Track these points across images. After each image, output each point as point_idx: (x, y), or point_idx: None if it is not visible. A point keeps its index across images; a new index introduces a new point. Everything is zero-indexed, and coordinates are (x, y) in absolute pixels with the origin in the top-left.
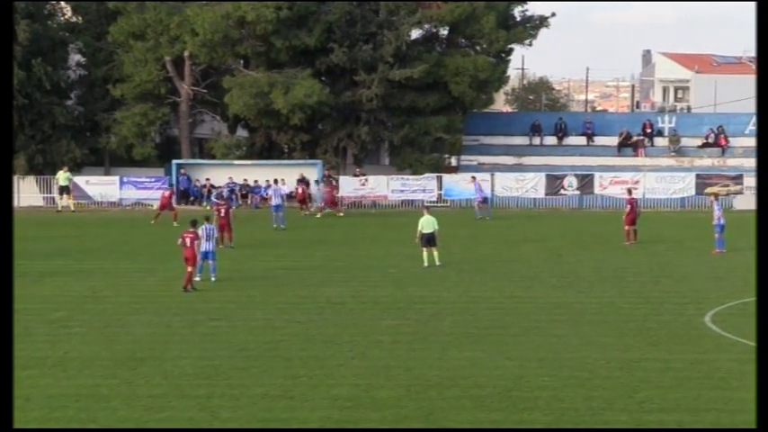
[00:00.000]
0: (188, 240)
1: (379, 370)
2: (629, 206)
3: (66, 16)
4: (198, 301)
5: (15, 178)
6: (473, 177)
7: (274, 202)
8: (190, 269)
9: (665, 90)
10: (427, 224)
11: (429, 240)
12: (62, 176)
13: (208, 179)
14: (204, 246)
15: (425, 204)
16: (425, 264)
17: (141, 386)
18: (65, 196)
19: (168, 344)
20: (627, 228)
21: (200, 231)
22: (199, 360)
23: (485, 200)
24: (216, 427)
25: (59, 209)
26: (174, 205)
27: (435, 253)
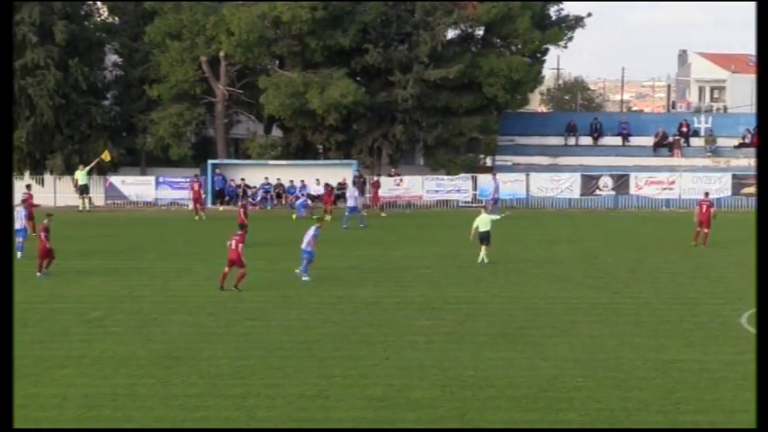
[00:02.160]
0: (233, 243)
1: (414, 370)
2: (701, 207)
3: (102, 17)
4: (233, 301)
5: (52, 178)
6: (494, 174)
7: (350, 203)
8: (227, 270)
9: (701, 90)
10: (483, 223)
11: (484, 238)
12: (80, 175)
13: (243, 179)
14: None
15: (484, 203)
16: (483, 260)
17: (177, 385)
18: (84, 196)
19: (204, 343)
20: (698, 229)
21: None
22: (234, 360)
23: (495, 201)
24: (252, 426)
25: (80, 209)
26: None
27: (484, 251)
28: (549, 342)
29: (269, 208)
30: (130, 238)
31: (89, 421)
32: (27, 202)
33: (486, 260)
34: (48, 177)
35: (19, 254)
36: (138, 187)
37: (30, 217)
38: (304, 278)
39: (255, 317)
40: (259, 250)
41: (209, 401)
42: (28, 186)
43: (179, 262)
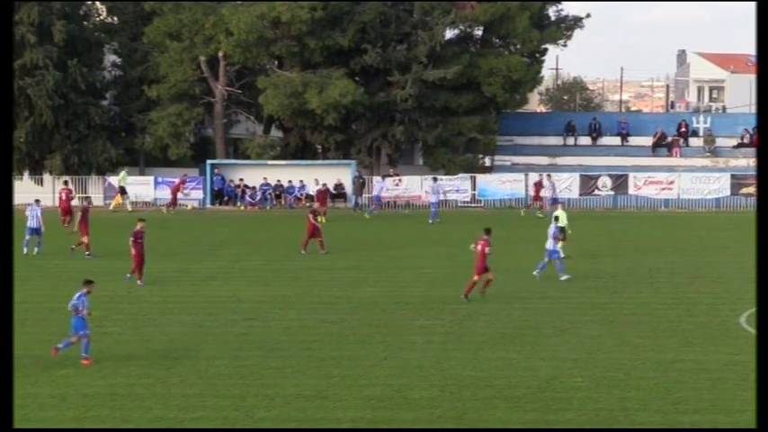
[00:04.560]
0: (479, 248)
1: (413, 370)
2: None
3: (101, 17)
4: (231, 301)
5: (51, 178)
6: (549, 175)
7: (433, 199)
8: (476, 278)
9: (699, 90)
10: (559, 218)
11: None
12: (122, 176)
13: (242, 179)
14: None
15: (559, 200)
16: (563, 255)
17: (176, 385)
18: (119, 195)
19: (202, 344)
20: None
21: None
22: (233, 360)
23: (554, 201)
24: (250, 426)
25: (114, 209)
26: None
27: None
28: (547, 342)
29: (268, 208)
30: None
31: (88, 421)
32: (63, 198)
33: (562, 254)
34: (47, 177)
35: (35, 249)
36: (136, 187)
37: (66, 212)
38: (563, 277)
39: (254, 317)
40: (259, 250)
41: (208, 401)
42: (65, 183)
43: (178, 262)
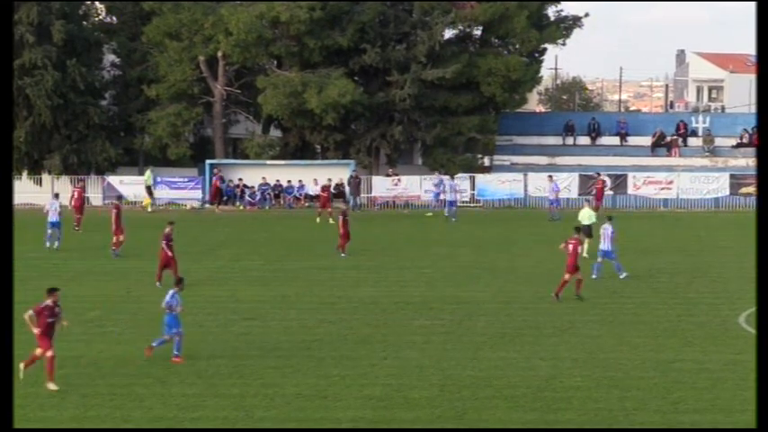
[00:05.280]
0: (570, 247)
1: (413, 370)
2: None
3: (100, 17)
4: (231, 301)
5: (50, 178)
6: (550, 176)
7: (450, 197)
8: (568, 276)
9: (699, 90)
10: (586, 216)
11: (588, 232)
12: (147, 176)
13: (241, 179)
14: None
15: (586, 198)
16: (585, 255)
17: (175, 385)
18: (147, 196)
19: (202, 343)
20: None
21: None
22: (232, 359)
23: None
24: (250, 426)
25: (149, 210)
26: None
27: (585, 244)
28: (547, 342)
29: (267, 208)
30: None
31: (88, 421)
32: (75, 197)
33: (584, 254)
34: (45, 177)
35: (56, 243)
36: (136, 187)
37: (79, 211)
38: (622, 275)
39: (254, 317)
40: (258, 250)
41: (208, 401)
42: (79, 181)
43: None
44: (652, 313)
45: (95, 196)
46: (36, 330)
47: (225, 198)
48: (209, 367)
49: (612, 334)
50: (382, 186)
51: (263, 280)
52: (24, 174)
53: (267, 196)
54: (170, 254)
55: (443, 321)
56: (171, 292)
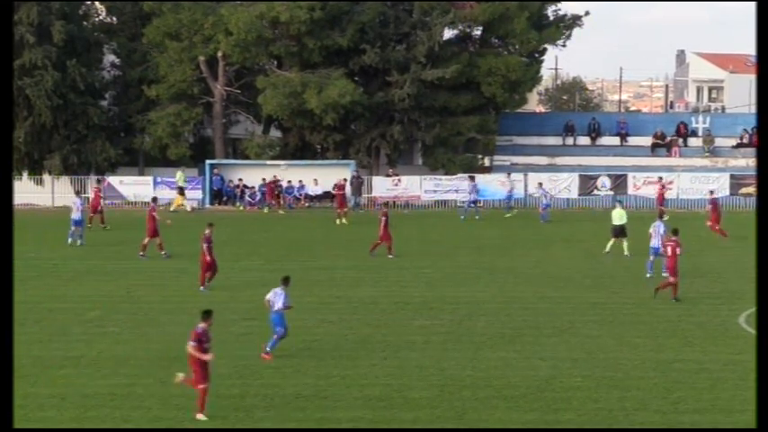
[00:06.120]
0: (669, 249)
1: (412, 370)
2: (710, 205)
3: (100, 17)
4: (231, 301)
5: (50, 178)
6: (540, 183)
7: (471, 197)
8: (674, 279)
9: (699, 90)
10: (617, 216)
11: (619, 231)
12: (180, 177)
13: (241, 179)
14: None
15: (617, 198)
16: (606, 250)
17: (175, 386)
18: (179, 196)
19: None
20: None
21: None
22: (232, 359)
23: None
24: (250, 426)
25: (188, 209)
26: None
27: (625, 243)
28: (547, 342)
29: (266, 210)
30: (129, 238)
31: (87, 421)
32: (95, 195)
33: (626, 252)
34: (46, 177)
35: (78, 241)
36: (135, 187)
37: (95, 210)
38: (648, 274)
39: (254, 317)
40: (257, 250)
41: (208, 401)
42: (98, 181)
43: (177, 262)
44: (652, 313)
45: (74, 198)
46: (207, 357)
47: (225, 198)
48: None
49: (612, 334)
50: (382, 186)
51: (263, 280)
52: (24, 174)
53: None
54: (208, 257)
55: (443, 321)
56: (279, 291)
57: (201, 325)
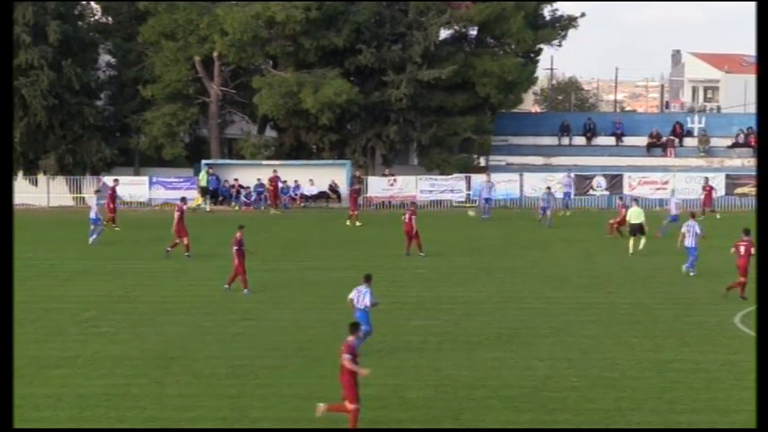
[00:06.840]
0: (742, 249)
1: (409, 370)
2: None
3: (96, 17)
4: (229, 302)
5: (45, 178)
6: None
7: (485, 195)
8: (744, 279)
9: (694, 90)
10: (635, 215)
11: (636, 230)
12: (203, 176)
13: (236, 179)
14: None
15: (634, 197)
16: (631, 251)
17: (171, 386)
18: (201, 197)
19: (199, 344)
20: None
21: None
22: (229, 360)
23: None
24: (246, 426)
25: (208, 209)
26: None
27: (642, 240)
28: (543, 342)
29: (262, 208)
30: (125, 238)
31: (83, 421)
32: (110, 194)
33: (640, 248)
34: (41, 177)
35: (92, 238)
36: (131, 187)
37: (111, 210)
38: (692, 273)
39: (250, 317)
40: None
41: (204, 401)
42: (115, 180)
43: (174, 262)
44: (648, 313)
45: (91, 196)
46: (364, 372)
47: (221, 198)
48: (206, 367)
49: (609, 334)
50: (378, 187)
51: (260, 280)
52: (20, 174)
53: (263, 197)
54: (236, 260)
55: (439, 322)
56: (364, 289)
57: (351, 338)
